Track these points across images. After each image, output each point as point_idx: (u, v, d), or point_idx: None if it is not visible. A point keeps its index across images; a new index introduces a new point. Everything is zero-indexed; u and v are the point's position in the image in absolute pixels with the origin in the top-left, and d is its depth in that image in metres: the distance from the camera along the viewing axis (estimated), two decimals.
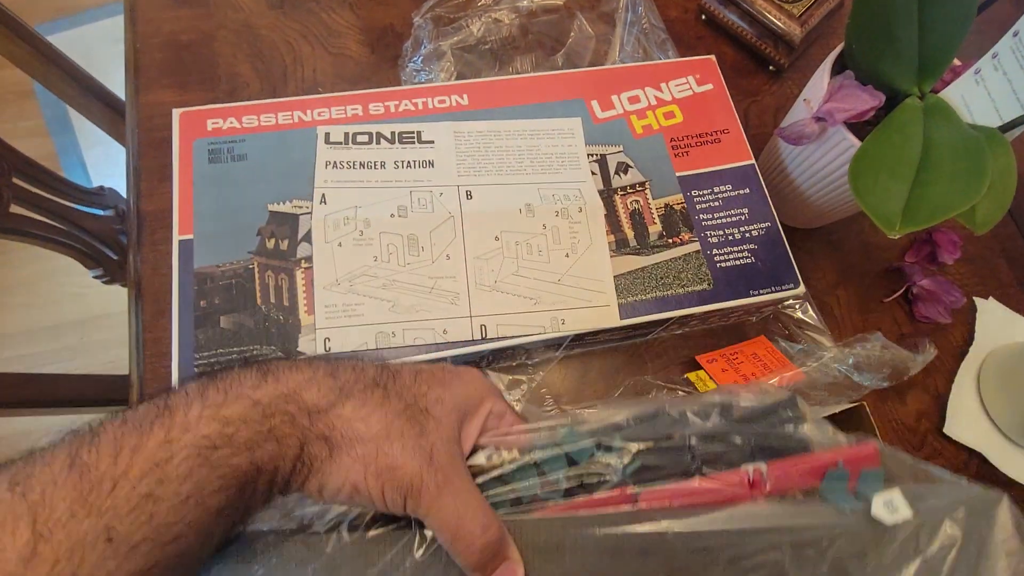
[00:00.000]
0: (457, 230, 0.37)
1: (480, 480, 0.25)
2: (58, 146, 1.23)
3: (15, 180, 0.52)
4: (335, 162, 0.39)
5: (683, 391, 0.42)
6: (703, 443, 0.26)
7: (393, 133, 0.40)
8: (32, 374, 0.49)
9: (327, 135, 0.39)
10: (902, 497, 0.24)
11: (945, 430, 0.43)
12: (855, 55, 0.35)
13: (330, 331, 0.35)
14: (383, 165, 0.39)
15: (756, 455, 0.26)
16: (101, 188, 0.64)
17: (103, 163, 1.22)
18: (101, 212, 0.64)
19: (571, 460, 0.26)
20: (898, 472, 0.26)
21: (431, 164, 0.39)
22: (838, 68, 0.38)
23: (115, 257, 0.61)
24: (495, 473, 0.25)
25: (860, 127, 0.37)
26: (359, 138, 0.40)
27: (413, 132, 0.40)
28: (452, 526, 0.22)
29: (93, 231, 0.59)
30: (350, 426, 0.22)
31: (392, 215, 0.37)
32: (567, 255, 0.38)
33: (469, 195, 0.38)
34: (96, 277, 0.60)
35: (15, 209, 0.52)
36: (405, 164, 0.39)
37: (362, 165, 0.39)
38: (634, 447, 0.26)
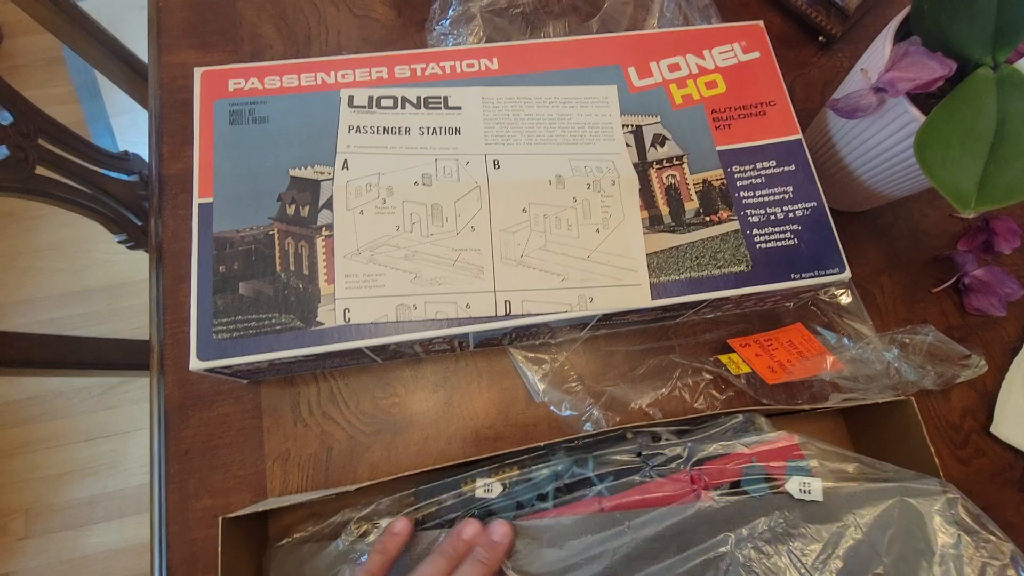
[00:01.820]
0: (483, 200, 0.36)
1: (489, 497, 0.33)
2: (86, 113, 1.24)
3: (41, 142, 0.52)
4: (358, 127, 0.37)
5: (711, 371, 0.41)
6: (655, 456, 0.34)
7: (419, 98, 0.38)
8: (56, 335, 0.50)
9: (351, 98, 0.38)
10: (819, 485, 0.31)
11: (992, 429, 0.41)
12: (924, 18, 0.32)
13: (350, 301, 0.34)
14: (408, 131, 0.37)
15: (699, 463, 0.33)
16: (126, 153, 0.64)
17: (130, 130, 1.23)
18: (126, 177, 0.63)
19: (557, 475, 0.34)
20: (823, 459, 0.33)
21: (458, 131, 0.38)
22: (900, 36, 0.35)
23: (139, 223, 0.61)
24: (499, 490, 0.34)
25: (924, 100, 0.34)
26: (384, 102, 0.38)
27: (440, 97, 0.38)
28: None
29: (118, 196, 0.58)
30: None
31: (416, 183, 0.36)
32: (598, 230, 0.36)
33: (497, 164, 0.37)
34: (121, 242, 0.60)
35: (41, 171, 0.51)
36: (431, 131, 0.37)
37: (386, 130, 0.37)
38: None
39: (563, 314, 0.34)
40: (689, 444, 0.33)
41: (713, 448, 0.33)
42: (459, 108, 0.38)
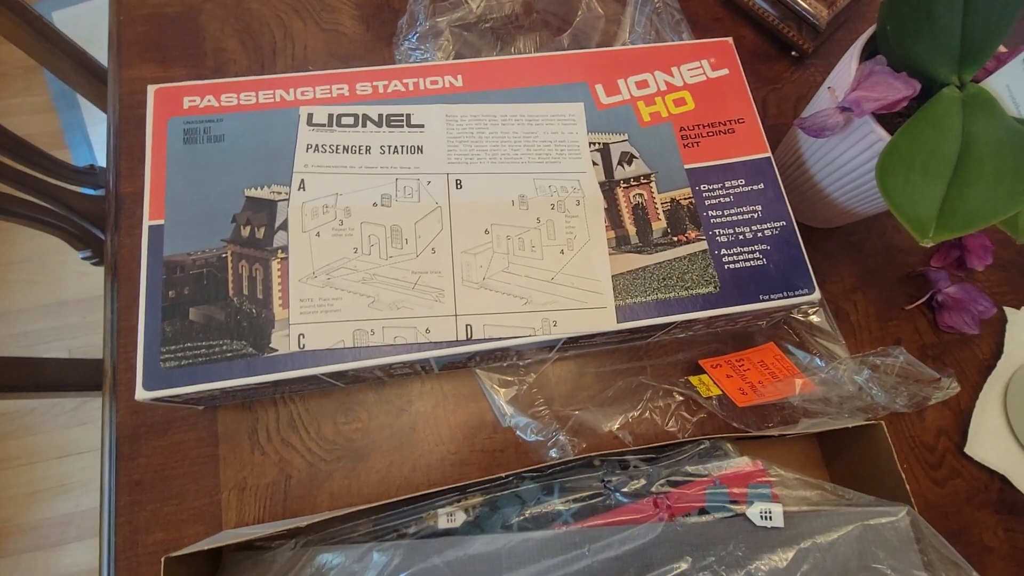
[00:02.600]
0: (444, 221, 0.35)
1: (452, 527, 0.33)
2: (63, 122, 1.22)
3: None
4: (317, 145, 0.36)
5: (682, 392, 0.40)
6: (619, 480, 0.34)
7: (381, 115, 0.37)
8: (13, 358, 0.48)
9: (310, 116, 0.37)
10: (780, 510, 0.31)
11: (967, 449, 0.40)
12: (889, 37, 0.32)
13: (305, 327, 0.32)
14: (368, 150, 0.36)
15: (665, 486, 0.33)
16: (92, 167, 0.63)
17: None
18: (92, 191, 0.62)
19: (522, 500, 0.33)
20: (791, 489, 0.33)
21: (420, 150, 0.37)
22: (867, 54, 0.34)
23: (104, 238, 0.60)
24: (463, 518, 0.33)
25: (890, 119, 0.34)
26: (344, 120, 0.37)
27: (402, 115, 0.38)
28: None
29: (81, 211, 0.57)
30: None
31: (375, 203, 0.35)
32: (562, 251, 0.35)
33: (459, 184, 0.36)
34: (85, 259, 0.59)
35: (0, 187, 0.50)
36: (392, 149, 0.37)
37: (346, 149, 0.36)
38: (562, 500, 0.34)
39: (526, 338, 0.33)
40: (651, 470, 0.33)
41: (679, 474, 0.33)
42: (422, 126, 0.37)
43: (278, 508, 0.36)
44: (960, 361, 0.43)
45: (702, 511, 0.32)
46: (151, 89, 0.36)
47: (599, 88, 0.39)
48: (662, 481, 0.32)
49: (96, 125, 1.22)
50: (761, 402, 0.37)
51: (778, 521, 0.31)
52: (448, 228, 0.35)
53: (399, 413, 0.39)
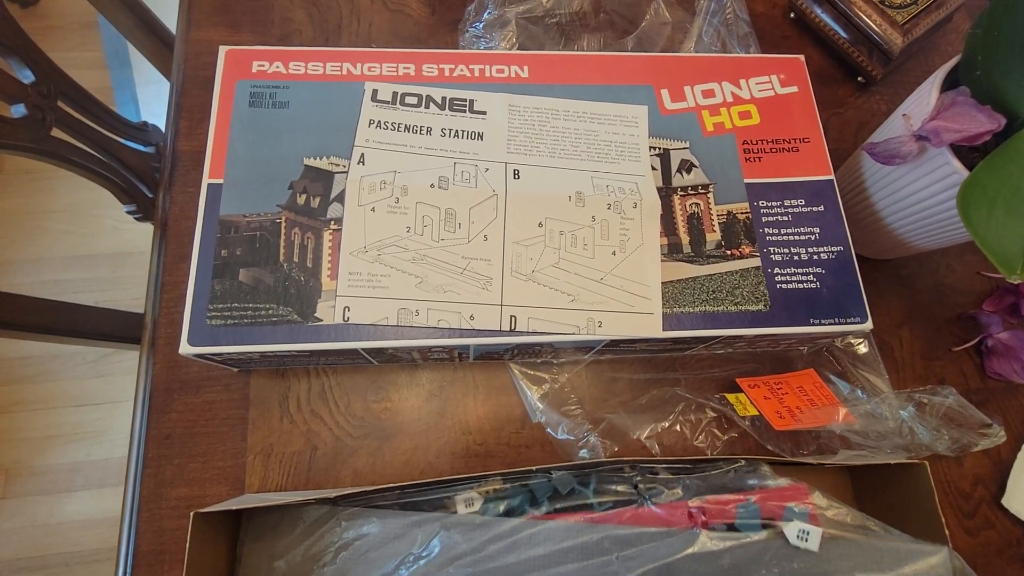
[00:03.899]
0: (499, 210, 0.35)
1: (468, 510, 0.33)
2: (114, 80, 1.24)
3: (60, 104, 0.51)
4: (380, 122, 0.36)
5: (715, 409, 0.39)
6: (653, 489, 0.33)
7: (444, 98, 0.37)
8: (51, 300, 0.49)
9: (375, 92, 0.37)
10: (818, 533, 0.30)
11: (1003, 501, 0.39)
12: (975, 69, 0.31)
13: (351, 300, 0.32)
14: (429, 131, 0.36)
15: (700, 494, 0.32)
16: (145, 124, 0.64)
17: (155, 101, 1.23)
18: (143, 148, 0.63)
19: (556, 491, 0.33)
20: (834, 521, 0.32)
21: (480, 136, 0.37)
22: (947, 85, 0.34)
23: (150, 195, 0.60)
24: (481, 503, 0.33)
25: (965, 154, 0.33)
26: (408, 99, 0.37)
27: (465, 100, 0.37)
28: None
29: (131, 165, 0.58)
30: None
31: (432, 185, 0.35)
32: (614, 253, 0.35)
33: (517, 174, 0.36)
34: (129, 212, 0.60)
35: (57, 133, 0.51)
36: (453, 133, 0.36)
37: (407, 128, 0.36)
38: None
39: (569, 336, 0.33)
40: (687, 482, 0.32)
41: (717, 489, 0.32)
42: (484, 113, 0.37)
43: (301, 478, 0.36)
44: (1005, 410, 0.42)
45: (731, 527, 0.31)
46: (222, 50, 0.37)
47: (664, 93, 0.39)
48: (698, 495, 0.32)
49: (145, 85, 1.25)
50: (798, 428, 0.36)
51: (814, 543, 0.30)
52: (503, 217, 0.34)
53: (429, 397, 0.39)
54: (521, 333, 0.33)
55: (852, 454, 0.35)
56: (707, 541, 0.29)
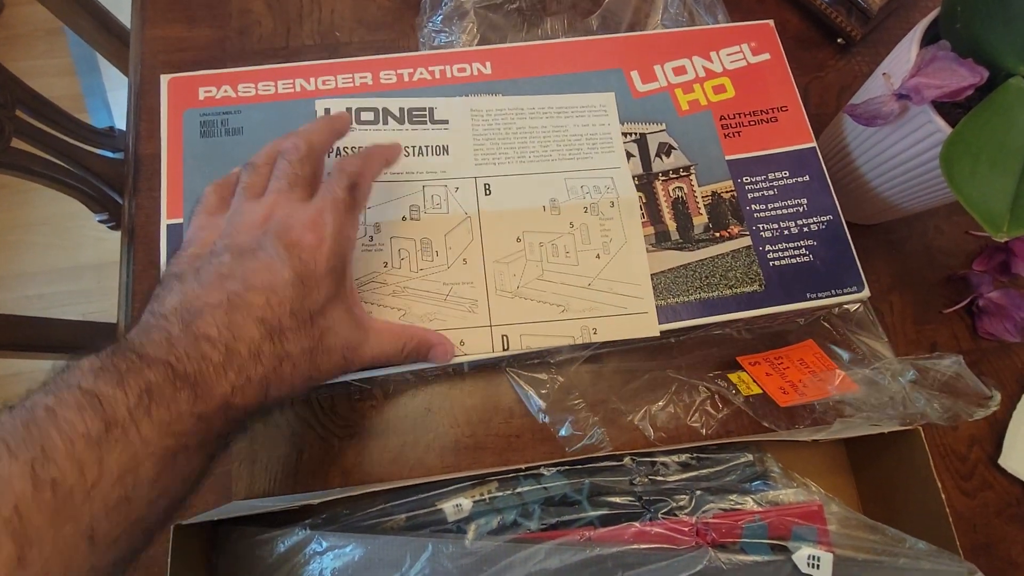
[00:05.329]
0: (474, 231, 0.34)
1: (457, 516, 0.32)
2: (84, 86, 1.21)
3: (19, 113, 0.50)
4: (337, 149, 0.34)
5: (708, 388, 0.38)
6: (653, 493, 0.32)
7: (402, 110, 0.36)
8: (24, 316, 0.48)
9: (327, 111, 0.35)
10: (829, 559, 0.29)
11: (1000, 461, 0.39)
12: (955, 22, 0.30)
13: None
14: None
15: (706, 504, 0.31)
16: (111, 129, 0.62)
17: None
18: (111, 154, 0.61)
19: (549, 499, 0.32)
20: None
21: (446, 150, 0.35)
22: (927, 41, 0.32)
23: (122, 202, 0.59)
24: (470, 507, 0.32)
25: (948, 110, 0.32)
26: (363, 116, 0.35)
27: (425, 109, 0.36)
28: (382, 360, 0.30)
29: (100, 173, 0.56)
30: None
31: (404, 218, 0.34)
32: (598, 256, 0.34)
33: (488, 189, 0.34)
34: (102, 222, 0.58)
35: (18, 144, 0.49)
36: (417, 151, 0.35)
37: None
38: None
39: (566, 344, 0.32)
40: (697, 494, 0.31)
41: (724, 501, 0.31)
42: (446, 122, 0.36)
43: (289, 482, 0.36)
44: (998, 370, 0.41)
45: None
46: (164, 80, 0.35)
47: (635, 75, 0.38)
48: (706, 508, 0.31)
49: (116, 90, 1.22)
50: (803, 402, 0.36)
51: (826, 571, 0.29)
52: (479, 238, 0.34)
53: (414, 393, 0.38)
54: (514, 352, 0.32)
55: (845, 426, 0.34)
56: (715, 560, 0.28)
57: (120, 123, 1.16)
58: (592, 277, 0.33)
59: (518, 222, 0.34)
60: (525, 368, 0.38)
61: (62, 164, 0.52)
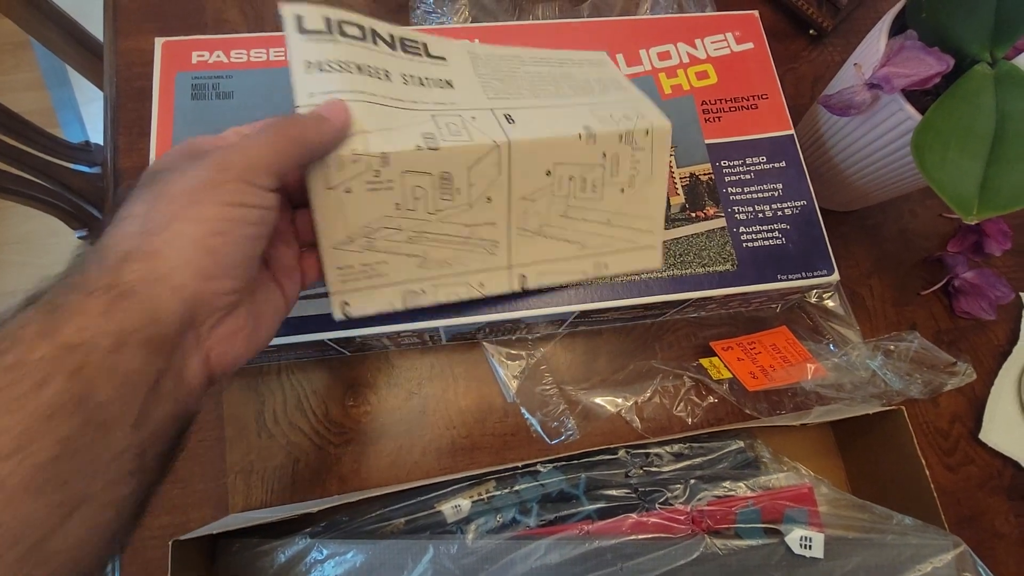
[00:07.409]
0: (503, 165, 0.28)
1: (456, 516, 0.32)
2: (55, 100, 1.19)
3: None
4: (320, 63, 0.25)
5: (692, 377, 0.39)
6: (649, 484, 0.32)
7: (392, 36, 0.29)
8: None
9: (299, 19, 0.26)
10: (821, 539, 0.30)
11: (981, 436, 0.40)
12: (920, 12, 0.31)
13: (348, 295, 0.28)
14: (387, 75, 0.28)
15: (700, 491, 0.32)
16: (87, 143, 0.61)
17: (101, 119, 1.18)
18: (88, 169, 0.60)
19: (546, 495, 0.32)
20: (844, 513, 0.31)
21: (449, 84, 0.30)
22: (895, 31, 0.33)
23: (101, 217, 0.58)
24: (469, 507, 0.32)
25: (917, 98, 0.33)
26: (347, 29, 0.27)
27: (418, 43, 0.30)
28: (262, 171, 0.21)
29: (77, 188, 0.55)
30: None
31: (418, 147, 0.26)
32: (622, 190, 0.32)
33: (510, 119, 0.29)
34: (81, 238, 0.57)
35: None
36: (416, 80, 0.29)
37: (359, 69, 0.27)
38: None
39: (578, 278, 0.33)
40: (691, 483, 0.32)
41: (718, 488, 0.32)
42: (443, 59, 0.31)
43: (286, 492, 0.35)
44: (975, 347, 0.43)
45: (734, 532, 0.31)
46: (158, 42, 0.35)
47: (620, 58, 0.38)
48: (700, 496, 0.31)
49: (88, 103, 1.19)
50: (772, 387, 0.36)
51: (818, 551, 0.29)
52: (507, 171, 0.29)
53: (408, 396, 0.38)
54: (530, 294, 0.32)
55: (827, 409, 0.35)
56: (712, 547, 0.29)
57: (94, 136, 1.14)
58: (612, 212, 0.32)
59: (551, 153, 0.29)
60: (502, 343, 0.39)
61: (37, 181, 0.51)
